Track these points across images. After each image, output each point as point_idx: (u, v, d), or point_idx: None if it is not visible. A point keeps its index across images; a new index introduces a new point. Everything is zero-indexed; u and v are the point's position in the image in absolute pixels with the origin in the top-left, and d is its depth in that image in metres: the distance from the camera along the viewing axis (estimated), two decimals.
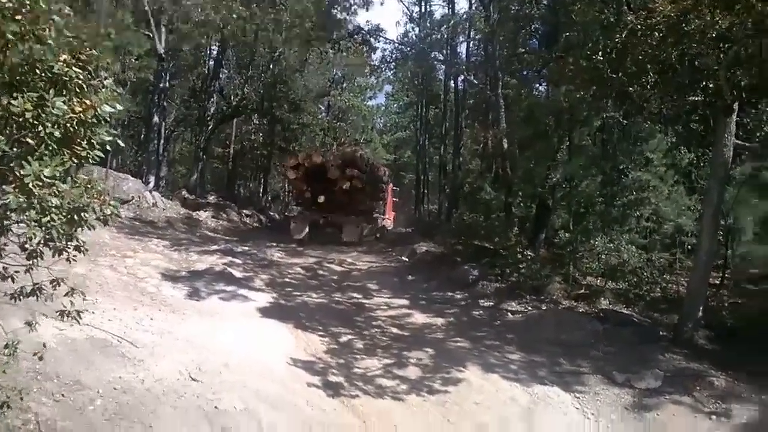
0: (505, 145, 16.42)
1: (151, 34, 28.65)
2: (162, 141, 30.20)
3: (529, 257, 13.74)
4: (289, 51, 31.68)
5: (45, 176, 3.17)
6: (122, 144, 4.06)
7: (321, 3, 26.13)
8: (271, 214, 31.77)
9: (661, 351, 9.88)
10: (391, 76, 27.89)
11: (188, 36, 28.00)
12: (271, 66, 30.65)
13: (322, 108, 39.29)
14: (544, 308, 12.37)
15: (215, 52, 32.17)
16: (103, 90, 3.72)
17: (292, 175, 23.40)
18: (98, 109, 3.49)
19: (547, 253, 15.31)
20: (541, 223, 15.81)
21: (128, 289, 10.60)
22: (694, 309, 10.44)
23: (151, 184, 26.95)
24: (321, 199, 22.25)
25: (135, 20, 31.98)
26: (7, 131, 3.37)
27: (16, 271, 3.81)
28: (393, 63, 25.63)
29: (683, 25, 8.32)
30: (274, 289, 13.28)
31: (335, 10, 27.25)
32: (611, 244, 12.26)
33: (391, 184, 27.37)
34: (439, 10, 30.08)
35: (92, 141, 3.58)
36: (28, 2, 3.34)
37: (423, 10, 27.68)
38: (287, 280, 14.68)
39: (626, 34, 8.96)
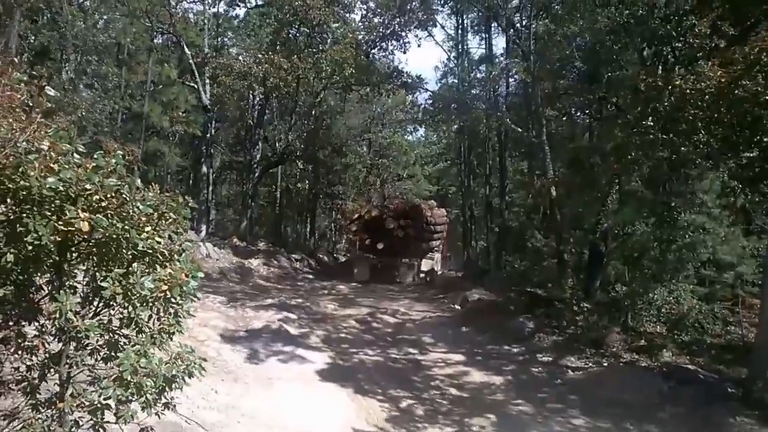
0: (554, 193, 16.35)
1: (195, 86, 29.74)
2: (210, 187, 31.10)
3: (586, 308, 13.55)
4: (329, 95, 32.42)
5: (141, 367, 3.42)
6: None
7: (359, 50, 26.68)
8: (320, 256, 32.16)
9: (732, 413, 9.61)
10: (430, 120, 28.02)
11: (232, 87, 28.88)
12: (313, 111, 31.20)
13: (364, 146, 39.70)
14: (605, 363, 12.16)
15: (259, 100, 32.96)
16: (183, 255, 3.95)
17: (353, 227, 28.58)
18: (184, 287, 3.72)
19: (603, 299, 15.07)
20: (594, 271, 15.58)
21: None
22: (763, 366, 10.15)
23: (203, 233, 27.70)
24: (380, 245, 26.32)
25: (180, 72, 33.36)
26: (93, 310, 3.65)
27: (107, 422, 4.00)
28: (433, 112, 25.77)
29: (735, 90, 8.30)
30: (330, 346, 13.39)
31: (372, 54, 27.92)
32: (671, 296, 12.04)
33: (447, 225, 30.36)
34: (476, 51, 30.27)
35: (178, 314, 3.82)
36: (113, 195, 3.60)
37: (461, 50, 27.82)
38: (342, 335, 14.77)
39: (676, 98, 8.96)
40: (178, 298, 3.77)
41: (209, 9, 32.76)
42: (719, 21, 11.15)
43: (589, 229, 15.44)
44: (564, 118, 21.49)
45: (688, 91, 8.76)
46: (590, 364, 12.27)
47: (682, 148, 9.67)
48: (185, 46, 28.70)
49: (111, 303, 3.82)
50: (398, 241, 26.29)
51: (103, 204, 3.62)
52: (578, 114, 20.89)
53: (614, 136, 12.10)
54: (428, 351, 13.79)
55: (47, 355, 4.03)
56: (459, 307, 17.79)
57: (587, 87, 17.68)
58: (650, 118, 9.36)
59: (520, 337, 14.16)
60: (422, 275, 26.71)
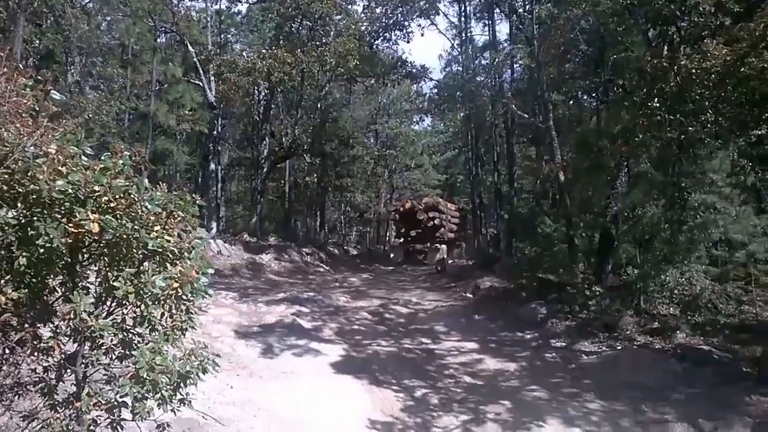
0: (562, 178, 16.30)
1: (200, 84, 29.78)
2: (219, 184, 31.20)
3: (598, 293, 13.52)
4: (334, 87, 32.42)
5: (156, 364, 3.46)
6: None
7: (363, 41, 26.63)
8: (331, 249, 32.31)
9: (747, 392, 9.57)
10: (436, 109, 28.06)
11: (237, 84, 28.89)
12: (318, 105, 31.19)
13: (371, 137, 39.70)
14: (619, 347, 12.13)
15: (264, 95, 32.97)
16: (193, 252, 3.99)
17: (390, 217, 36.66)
18: (195, 284, 3.76)
19: (615, 283, 15.03)
20: (605, 255, 15.51)
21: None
22: None
23: (213, 230, 27.81)
24: (412, 233, 33.69)
25: (185, 71, 33.45)
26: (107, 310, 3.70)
27: (124, 419, 4.05)
28: (439, 101, 25.75)
29: (741, 68, 8.23)
30: (343, 339, 13.41)
31: (376, 45, 27.90)
32: (683, 277, 11.97)
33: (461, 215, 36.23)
34: (480, 38, 30.22)
35: (190, 311, 3.86)
36: (122, 195, 3.64)
37: (464, 37, 27.67)
38: (355, 327, 14.79)
39: (682, 78, 8.90)
40: (190, 294, 3.82)
41: (211, 6, 32.80)
42: None
43: (599, 212, 15.37)
44: (570, 103, 21.44)
45: (693, 70, 8.72)
46: (604, 348, 12.24)
47: (690, 128, 9.64)
48: (189, 44, 28.67)
49: (123, 302, 3.86)
50: (426, 229, 32.62)
51: (112, 205, 3.66)
52: (584, 97, 20.88)
53: (621, 118, 12.06)
54: (441, 340, 13.81)
55: (63, 355, 4.07)
56: (471, 296, 17.81)
57: (593, 70, 17.60)
58: (657, 99, 9.33)
59: (532, 323, 14.16)
60: (440, 259, 28.63)
